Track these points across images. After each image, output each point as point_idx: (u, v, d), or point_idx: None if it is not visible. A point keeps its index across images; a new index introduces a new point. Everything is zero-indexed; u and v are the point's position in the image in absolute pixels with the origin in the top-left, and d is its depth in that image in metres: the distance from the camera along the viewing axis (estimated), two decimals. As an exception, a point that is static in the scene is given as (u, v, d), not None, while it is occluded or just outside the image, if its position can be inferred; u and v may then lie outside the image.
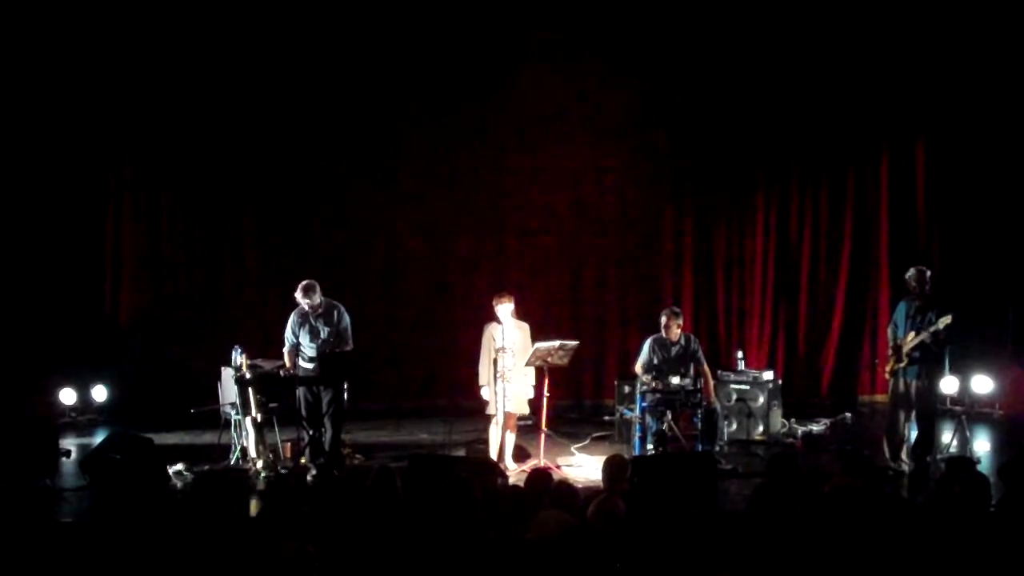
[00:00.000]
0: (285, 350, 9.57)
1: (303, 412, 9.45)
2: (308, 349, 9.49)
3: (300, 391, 9.45)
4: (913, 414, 9.42)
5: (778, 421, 11.12)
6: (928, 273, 9.41)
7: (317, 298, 9.41)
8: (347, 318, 9.58)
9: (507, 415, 9.33)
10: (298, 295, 9.40)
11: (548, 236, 13.13)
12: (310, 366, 9.47)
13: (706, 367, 9.99)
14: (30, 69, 11.51)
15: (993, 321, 12.30)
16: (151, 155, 12.46)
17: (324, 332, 9.46)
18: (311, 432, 9.37)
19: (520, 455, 9.77)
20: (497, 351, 9.28)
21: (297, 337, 9.52)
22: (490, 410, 9.42)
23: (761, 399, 10.93)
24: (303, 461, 9.39)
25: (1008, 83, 12.24)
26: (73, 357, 11.59)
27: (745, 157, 13.10)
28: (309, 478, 9.01)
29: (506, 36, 12.62)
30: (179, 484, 8.86)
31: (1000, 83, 12.30)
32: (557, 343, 9.31)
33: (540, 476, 6.38)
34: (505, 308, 9.36)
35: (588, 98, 12.98)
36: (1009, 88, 12.25)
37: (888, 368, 9.53)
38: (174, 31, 12.08)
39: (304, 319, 9.49)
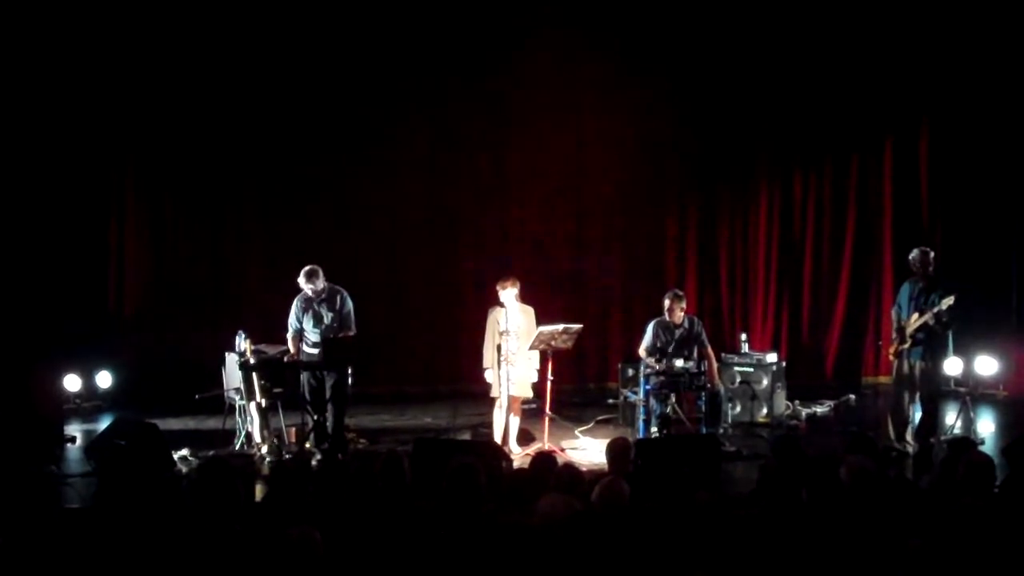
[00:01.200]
0: (289, 335, 9.58)
1: (307, 397, 9.45)
2: (312, 334, 9.49)
3: (304, 376, 9.46)
4: (917, 395, 9.43)
5: (782, 403, 11.12)
6: (932, 254, 9.40)
7: (320, 283, 9.41)
8: (350, 303, 9.58)
9: (511, 399, 9.34)
10: (301, 280, 9.40)
11: (551, 220, 13.12)
12: (314, 351, 9.47)
13: (710, 349, 9.99)
14: (37, 66, 11.48)
15: (997, 303, 12.28)
16: (154, 145, 12.45)
17: (327, 317, 9.46)
18: (315, 417, 9.37)
19: (524, 439, 9.79)
20: (501, 335, 9.28)
21: (300, 322, 9.53)
22: (494, 393, 9.44)
23: (765, 381, 10.93)
24: (307, 446, 9.40)
25: (1010, 69, 12.19)
26: (77, 343, 11.58)
27: (749, 140, 13.09)
28: (314, 463, 9.02)
29: (509, 28, 12.57)
30: (184, 470, 8.86)
31: (1003, 69, 12.25)
32: (560, 327, 9.31)
33: (545, 460, 6.39)
34: (509, 292, 9.37)
35: (591, 84, 12.93)
36: (1011, 74, 12.20)
37: (892, 349, 9.54)
38: (174, 30, 12.07)
39: (307, 304, 9.49)
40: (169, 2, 12.06)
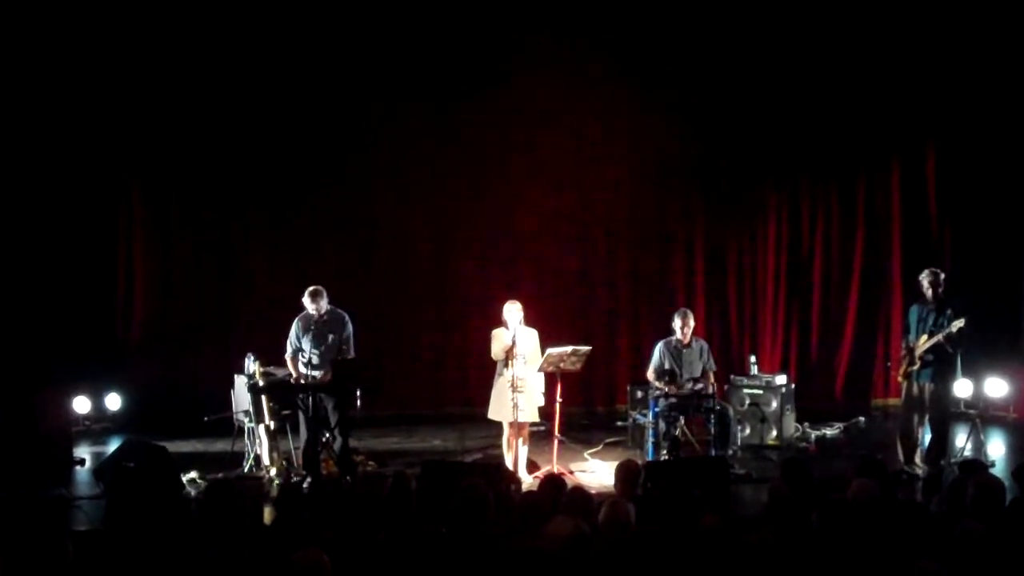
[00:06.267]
0: (288, 355, 9.58)
1: (309, 414, 9.36)
2: (311, 355, 9.40)
3: (304, 397, 9.40)
4: (927, 417, 9.40)
5: (791, 426, 11.09)
6: (942, 275, 9.40)
7: (324, 304, 9.45)
8: (351, 327, 9.62)
9: (520, 425, 9.27)
10: (305, 300, 9.44)
11: (559, 241, 13.13)
12: (315, 372, 9.31)
13: (712, 371, 9.99)
14: (42, 84, 11.61)
15: (1006, 324, 12.25)
16: (161, 165, 12.53)
17: (329, 338, 9.48)
18: (309, 436, 9.26)
19: (533, 462, 9.74)
20: (509, 355, 9.16)
21: (300, 342, 9.51)
22: (505, 418, 9.33)
23: (774, 403, 10.89)
24: (297, 464, 9.42)
25: (1016, 89, 12.19)
26: (87, 366, 11.63)
27: (756, 162, 13.07)
28: (304, 485, 8.95)
29: (512, 38, 12.62)
30: (193, 492, 8.86)
31: (1009, 89, 12.24)
32: (569, 348, 9.28)
33: (553, 482, 6.37)
34: (515, 314, 9.26)
35: (597, 102, 12.98)
36: (1017, 94, 12.20)
37: (901, 371, 9.51)
38: (179, 45, 12.16)
39: (309, 324, 9.50)
40: (172, 26, 12.12)
